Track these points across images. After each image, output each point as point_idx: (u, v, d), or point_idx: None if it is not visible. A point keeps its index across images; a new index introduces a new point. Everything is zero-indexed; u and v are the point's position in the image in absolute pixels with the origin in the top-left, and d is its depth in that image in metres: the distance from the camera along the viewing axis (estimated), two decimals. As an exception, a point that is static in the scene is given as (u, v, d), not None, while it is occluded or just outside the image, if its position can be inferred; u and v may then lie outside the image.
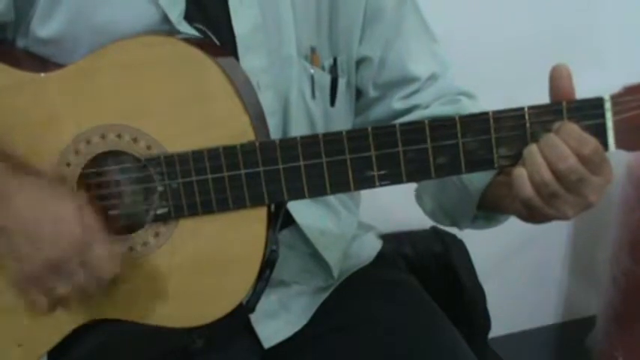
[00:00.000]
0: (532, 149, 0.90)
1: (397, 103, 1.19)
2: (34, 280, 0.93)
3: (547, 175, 0.89)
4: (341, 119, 1.20)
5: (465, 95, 1.20)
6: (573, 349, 2.28)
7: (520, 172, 0.91)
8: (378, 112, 1.21)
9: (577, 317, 2.34)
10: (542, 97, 0.92)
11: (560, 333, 2.35)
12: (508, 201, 0.99)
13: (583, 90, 0.91)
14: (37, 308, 0.96)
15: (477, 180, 1.03)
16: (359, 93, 1.22)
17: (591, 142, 0.88)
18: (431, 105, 1.18)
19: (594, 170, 0.89)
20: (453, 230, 1.79)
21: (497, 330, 1.88)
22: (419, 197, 1.22)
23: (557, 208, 0.92)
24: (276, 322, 1.17)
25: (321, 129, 1.16)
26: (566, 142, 0.89)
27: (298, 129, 1.11)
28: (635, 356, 2.01)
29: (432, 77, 1.19)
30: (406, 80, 1.18)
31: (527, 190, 0.91)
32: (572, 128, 0.89)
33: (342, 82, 1.17)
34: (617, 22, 1.99)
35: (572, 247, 2.26)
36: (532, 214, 0.95)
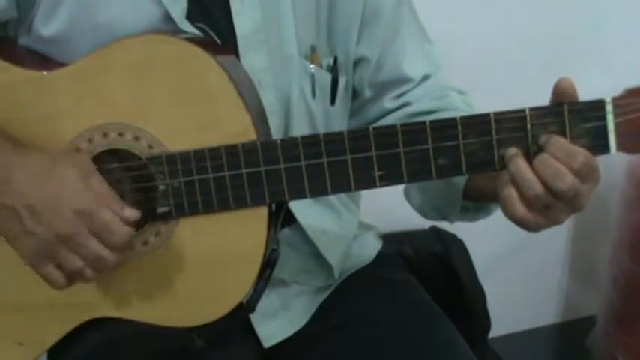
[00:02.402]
0: (520, 166, 0.89)
1: (389, 103, 1.20)
2: (45, 255, 0.93)
3: (539, 188, 0.88)
4: (340, 118, 1.20)
5: (454, 90, 1.20)
6: (573, 349, 2.28)
7: (509, 193, 0.91)
8: (371, 112, 1.22)
9: (577, 317, 2.34)
10: (544, 98, 0.92)
11: (561, 333, 2.35)
12: (490, 192, 0.98)
13: (585, 91, 0.90)
14: (54, 284, 0.95)
15: None
16: (354, 94, 1.22)
17: (581, 155, 0.88)
18: (419, 100, 1.19)
19: (585, 180, 0.89)
20: (453, 230, 1.80)
21: (497, 330, 1.88)
22: (407, 193, 1.23)
23: (549, 218, 0.91)
24: (277, 322, 1.17)
25: (321, 128, 1.16)
26: (557, 158, 0.88)
27: (299, 128, 1.12)
28: (635, 356, 2.01)
29: (425, 77, 1.20)
30: (400, 81, 1.20)
31: (519, 211, 0.91)
32: (560, 142, 0.88)
33: (342, 82, 1.17)
34: (620, 23, 1.98)
35: (572, 247, 2.26)
36: (526, 229, 0.95)
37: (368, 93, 1.21)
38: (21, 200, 0.92)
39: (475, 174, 0.98)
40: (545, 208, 0.90)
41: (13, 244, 0.95)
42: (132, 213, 0.94)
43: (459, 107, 1.16)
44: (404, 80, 1.20)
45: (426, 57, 1.22)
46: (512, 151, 0.90)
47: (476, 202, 1.10)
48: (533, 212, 0.91)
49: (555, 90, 0.90)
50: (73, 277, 0.96)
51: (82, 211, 0.91)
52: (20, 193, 0.92)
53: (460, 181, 1.06)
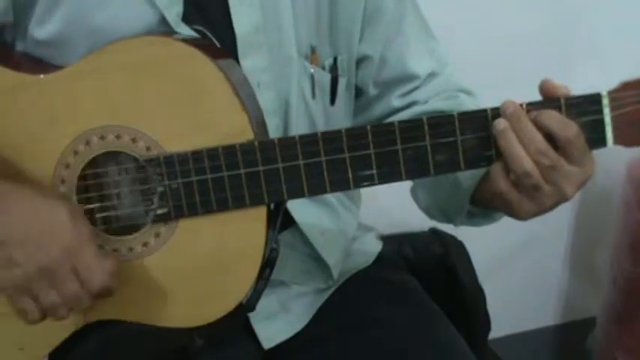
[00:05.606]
0: (510, 138, 0.90)
1: (396, 101, 1.20)
2: (24, 287, 0.93)
3: (529, 165, 0.89)
4: (341, 118, 1.20)
5: (463, 92, 1.20)
6: (573, 350, 2.28)
7: (496, 167, 0.93)
8: (377, 110, 1.22)
9: (577, 318, 2.35)
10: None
11: (561, 334, 2.35)
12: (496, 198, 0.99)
13: (582, 86, 0.91)
14: (27, 317, 0.96)
15: (470, 175, 1.03)
16: (359, 92, 1.22)
17: (572, 127, 0.89)
18: (429, 100, 1.18)
19: (572, 159, 0.90)
20: (453, 231, 1.79)
21: (497, 331, 1.88)
22: (414, 192, 1.22)
23: (536, 201, 0.92)
24: (276, 323, 1.17)
25: (321, 128, 1.16)
26: (542, 124, 0.89)
27: (298, 128, 1.11)
28: (635, 357, 2.01)
29: (431, 74, 1.20)
30: (406, 78, 1.19)
31: (502, 185, 0.92)
32: (551, 112, 0.90)
33: (342, 82, 1.17)
34: (616, 18, 1.99)
35: (572, 247, 2.26)
36: (510, 211, 0.95)
37: (373, 91, 1.21)
38: (11, 232, 0.92)
39: (473, 170, 0.98)
40: (533, 189, 0.91)
41: None
42: (113, 263, 0.95)
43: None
44: (409, 77, 1.19)
45: (431, 53, 1.22)
46: (502, 124, 0.91)
47: (482, 209, 1.09)
48: (516, 190, 0.92)
49: (542, 94, 0.91)
50: (47, 313, 0.96)
51: (67, 248, 0.92)
52: (11, 224, 0.92)
53: (468, 186, 1.05)
